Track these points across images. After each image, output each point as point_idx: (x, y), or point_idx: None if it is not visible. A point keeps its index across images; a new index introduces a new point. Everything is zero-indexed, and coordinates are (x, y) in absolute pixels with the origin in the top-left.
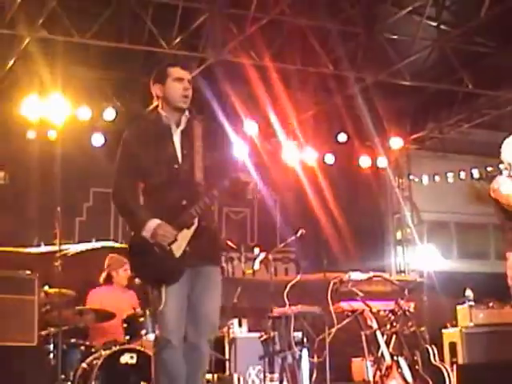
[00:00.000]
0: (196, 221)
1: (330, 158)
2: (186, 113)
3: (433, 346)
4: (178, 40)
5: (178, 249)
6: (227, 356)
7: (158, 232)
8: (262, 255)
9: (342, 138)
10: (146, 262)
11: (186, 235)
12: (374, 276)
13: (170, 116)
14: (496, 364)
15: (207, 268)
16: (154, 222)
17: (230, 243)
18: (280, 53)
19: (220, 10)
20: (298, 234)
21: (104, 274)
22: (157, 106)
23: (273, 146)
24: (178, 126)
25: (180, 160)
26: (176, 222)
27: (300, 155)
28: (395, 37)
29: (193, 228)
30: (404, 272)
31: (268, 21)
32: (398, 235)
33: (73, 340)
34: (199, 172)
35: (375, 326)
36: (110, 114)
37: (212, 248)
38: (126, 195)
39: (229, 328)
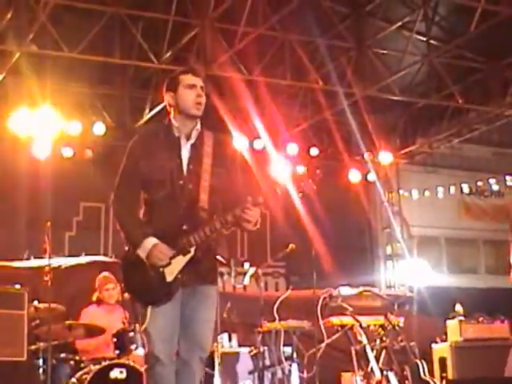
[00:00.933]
0: (193, 250)
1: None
2: (198, 126)
3: (422, 361)
4: (168, 55)
5: (170, 273)
6: (217, 371)
7: (153, 252)
8: (252, 270)
9: (332, 152)
10: (136, 279)
11: (179, 261)
12: (364, 291)
13: (182, 127)
14: (485, 380)
15: (201, 287)
16: (150, 242)
17: (219, 258)
18: (269, 67)
19: (210, 25)
20: (288, 249)
21: (95, 294)
22: (169, 115)
23: (262, 159)
24: (188, 138)
25: (185, 176)
26: (173, 245)
27: (289, 169)
28: (385, 52)
29: (188, 256)
30: (394, 287)
31: (258, 35)
32: (388, 250)
33: (62, 355)
34: (204, 193)
35: (365, 340)
36: (99, 128)
37: (207, 272)
38: (124, 207)
39: (218, 343)
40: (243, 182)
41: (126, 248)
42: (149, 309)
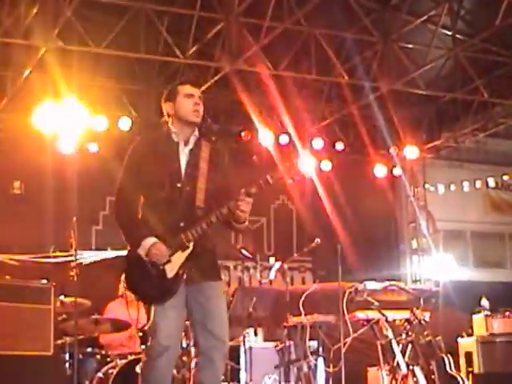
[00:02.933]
0: (191, 245)
1: (345, 168)
2: (196, 132)
3: (448, 356)
4: (193, 49)
5: (171, 270)
6: (243, 365)
7: (152, 251)
8: (278, 264)
9: (358, 146)
10: (138, 278)
11: (179, 257)
12: (390, 285)
13: (180, 133)
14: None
15: (207, 283)
16: (149, 241)
17: (245, 252)
18: (295, 62)
19: (235, 19)
20: (314, 244)
21: (120, 289)
22: (167, 124)
23: (289, 154)
24: (186, 144)
25: (183, 179)
26: (171, 243)
27: (315, 164)
28: (410, 46)
29: (187, 251)
30: (419, 281)
31: (283, 30)
32: (414, 244)
33: (89, 349)
34: (201, 194)
35: (391, 335)
36: (125, 123)
37: (208, 268)
38: (125, 208)
39: (244, 337)
40: (236, 176)
41: (128, 248)
42: (153, 307)
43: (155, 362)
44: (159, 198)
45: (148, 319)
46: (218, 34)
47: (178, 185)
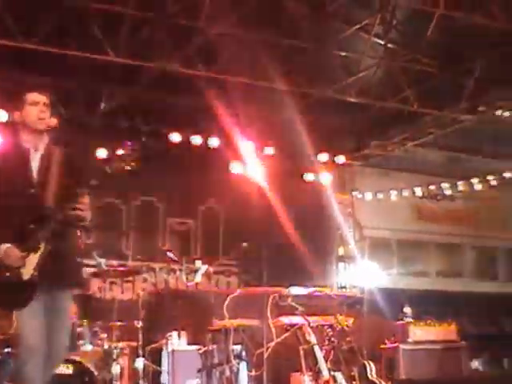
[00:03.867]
0: (42, 245)
1: (274, 173)
2: (45, 139)
3: (370, 362)
4: (125, 49)
5: (26, 272)
6: (165, 368)
7: (5, 255)
8: (204, 268)
9: (287, 152)
10: None
11: (33, 259)
12: (314, 291)
13: (30, 140)
14: (432, 381)
15: (58, 294)
16: (2, 246)
17: (171, 255)
18: (228, 65)
19: (169, 20)
20: (241, 248)
21: None
22: (18, 132)
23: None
24: (36, 150)
25: (35, 184)
26: (25, 246)
27: (246, 168)
28: (343, 53)
29: (39, 252)
30: (345, 288)
31: (217, 33)
32: (340, 251)
33: (7, 349)
34: (51, 197)
35: (313, 340)
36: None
37: (64, 274)
38: None
39: (167, 340)
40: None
41: None
42: (15, 314)
43: (22, 369)
44: (10, 205)
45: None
46: (151, 34)
47: (32, 190)
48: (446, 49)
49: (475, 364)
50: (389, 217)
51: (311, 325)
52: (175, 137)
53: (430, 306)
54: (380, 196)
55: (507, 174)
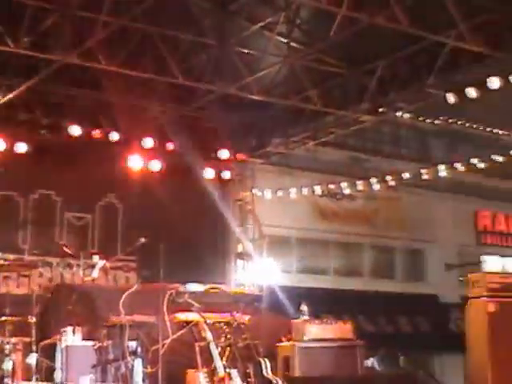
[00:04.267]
0: None
1: (174, 169)
2: None
3: (266, 359)
4: (26, 40)
5: None
6: (59, 364)
7: None
8: (102, 263)
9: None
10: None
11: None
12: (211, 288)
13: None
14: (326, 378)
15: None
16: None
17: (66, 249)
18: (130, 59)
19: (71, 12)
20: (139, 243)
21: None
22: None
23: (119, 152)
24: None
25: None
26: None
27: (145, 164)
28: (246, 51)
29: None
30: (243, 285)
31: (120, 26)
32: (239, 248)
33: None
34: None
35: (210, 337)
36: None
37: None
38: None
39: (61, 335)
40: None
41: None
42: None
43: None
44: None
45: None
46: (52, 26)
47: None
48: (349, 49)
49: (371, 362)
50: (289, 215)
51: (207, 322)
52: (75, 130)
53: (329, 304)
54: (280, 194)
55: (406, 175)
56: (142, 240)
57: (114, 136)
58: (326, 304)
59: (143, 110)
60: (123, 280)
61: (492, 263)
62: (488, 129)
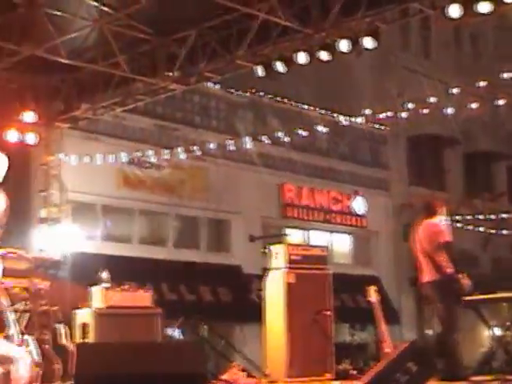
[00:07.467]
0: None
1: None
2: None
3: (64, 326)
4: None
5: None
6: None
7: None
8: None
9: None
10: None
11: None
12: (9, 252)
13: None
14: (121, 344)
15: None
16: None
17: None
18: None
19: None
20: None
21: None
22: None
23: None
24: None
25: None
26: None
27: None
28: (56, 13)
29: None
30: (44, 251)
31: None
32: (43, 213)
33: None
34: None
35: (5, 303)
36: None
37: None
38: None
39: None
40: None
41: None
42: None
43: None
44: None
45: None
46: None
47: None
48: (161, 17)
49: (171, 331)
50: (95, 182)
51: (4, 286)
52: None
53: (132, 272)
54: (86, 160)
55: (212, 145)
56: None
57: None
58: (128, 272)
59: None
60: None
61: (295, 236)
62: (294, 103)
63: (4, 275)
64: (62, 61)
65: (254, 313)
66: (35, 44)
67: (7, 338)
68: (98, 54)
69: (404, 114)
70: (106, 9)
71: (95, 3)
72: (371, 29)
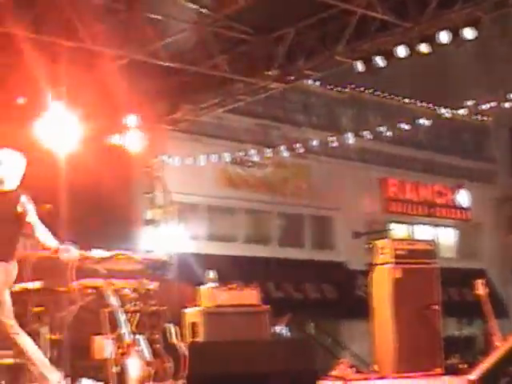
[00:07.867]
0: None
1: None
2: None
3: (173, 326)
4: None
5: None
6: None
7: None
8: None
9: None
10: None
11: None
12: (118, 254)
13: None
14: (230, 343)
15: None
16: None
17: None
18: (36, 24)
19: None
20: (45, 210)
21: None
22: None
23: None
24: None
25: None
26: None
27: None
28: (156, 16)
29: None
30: (152, 252)
31: None
32: (149, 215)
33: None
34: None
35: (116, 303)
36: None
37: None
38: None
39: None
40: None
41: None
42: None
43: None
44: None
45: None
46: None
47: None
48: (258, 17)
49: (279, 328)
50: (198, 182)
51: (114, 288)
52: None
53: (237, 271)
54: (189, 161)
55: (314, 143)
56: (49, 207)
57: (20, 100)
58: (234, 271)
59: (50, 76)
60: (28, 247)
61: (399, 231)
62: (395, 98)
63: (114, 276)
64: (164, 64)
65: (359, 309)
66: (137, 48)
67: (118, 337)
68: (198, 55)
69: (507, 105)
70: (204, 11)
71: (194, 6)
72: (471, 19)
